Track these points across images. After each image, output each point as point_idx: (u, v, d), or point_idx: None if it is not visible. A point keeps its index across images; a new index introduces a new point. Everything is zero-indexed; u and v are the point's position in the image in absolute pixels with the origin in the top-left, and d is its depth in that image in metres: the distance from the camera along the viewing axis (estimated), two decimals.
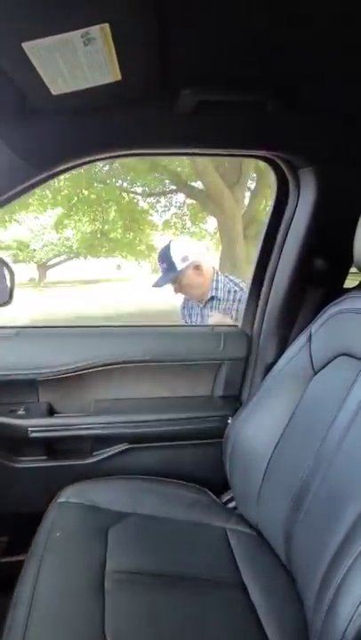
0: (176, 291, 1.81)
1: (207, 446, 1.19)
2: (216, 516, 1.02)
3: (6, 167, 0.83)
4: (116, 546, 0.88)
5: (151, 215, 10.69)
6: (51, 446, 1.15)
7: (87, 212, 10.08)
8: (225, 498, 1.12)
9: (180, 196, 10.07)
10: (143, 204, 10.31)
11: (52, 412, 1.18)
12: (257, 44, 0.66)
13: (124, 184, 9.49)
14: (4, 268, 1.37)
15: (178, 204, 10.61)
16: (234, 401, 1.23)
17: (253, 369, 1.22)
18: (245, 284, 1.82)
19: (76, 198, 9.47)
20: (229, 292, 1.77)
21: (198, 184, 8.28)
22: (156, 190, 9.60)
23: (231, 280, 1.85)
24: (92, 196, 9.49)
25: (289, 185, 1.01)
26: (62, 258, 16.64)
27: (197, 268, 1.75)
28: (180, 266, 1.70)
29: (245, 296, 1.32)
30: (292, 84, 0.77)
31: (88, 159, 0.88)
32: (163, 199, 10.29)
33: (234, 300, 1.76)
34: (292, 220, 1.04)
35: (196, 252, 1.78)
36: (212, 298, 1.82)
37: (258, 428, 0.98)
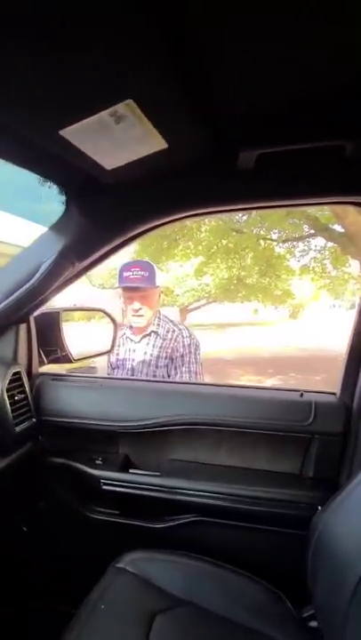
0: (128, 305, 1.66)
1: (289, 537, 0.99)
2: (288, 632, 0.83)
3: (85, 236, 0.91)
4: (159, 639, 0.78)
5: (288, 260, 10.46)
6: (123, 502, 1.14)
7: (225, 259, 10.51)
8: (306, 612, 0.90)
9: (320, 240, 9.63)
10: (280, 249, 10.22)
11: (128, 464, 1.18)
12: (324, 81, 0.58)
13: (261, 231, 9.63)
14: (110, 320, 1.50)
15: (318, 248, 10.15)
16: (327, 486, 1.01)
17: (353, 449, 0.99)
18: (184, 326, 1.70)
19: (215, 247, 10.02)
20: (168, 331, 1.65)
21: (339, 227, 7.83)
22: (292, 235, 9.44)
23: (171, 321, 1.72)
24: (230, 244, 9.92)
25: None
26: (202, 302, 17.60)
27: (160, 295, 1.70)
28: (157, 282, 1.63)
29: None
30: None
31: (157, 223, 0.90)
32: (300, 244, 10.01)
33: (171, 339, 1.63)
34: None
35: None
36: (152, 333, 1.66)
37: (351, 527, 0.77)
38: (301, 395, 1.07)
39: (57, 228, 0.93)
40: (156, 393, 1.17)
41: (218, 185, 0.79)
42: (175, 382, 1.24)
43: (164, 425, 1.10)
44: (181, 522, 1.09)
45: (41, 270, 0.93)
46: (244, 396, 1.10)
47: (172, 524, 1.10)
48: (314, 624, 0.87)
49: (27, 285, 0.95)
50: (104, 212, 0.86)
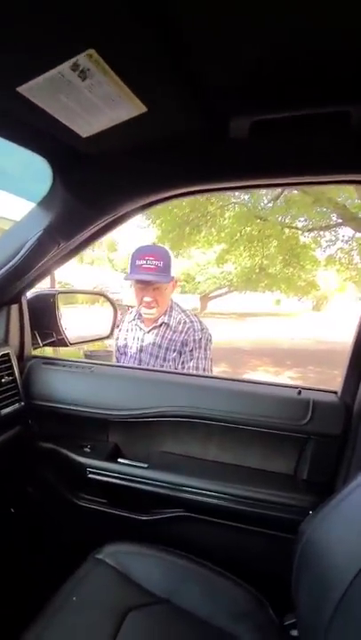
0: (139, 296, 1.51)
1: (277, 540, 0.94)
2: None
3: (70, 213, 0.85)
4: (128, 637, 0.75)
5: (313, 250, 10.13)
6: (109, 491, 1.11)
7: (248, 247, 10.29)
8: (288, 620, 0.84)
9: (348, 230, 9.27)
10: (305, 238, 9.90)
11: (117, 454, 1.14)
12: (326, 34, 0.49)
13: (286, 219, 9.34)
14: (110, 306, 1.46)
15: (345, 239, 9.77)
16: (321, 489, 0.94)
17: (352, 452, 0.92)
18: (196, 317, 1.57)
19: (238, 235, 9.80)
20: (179, 322, 1.53)
21: None
22: (318, 224, 9.11)
23: (184, 311, 1.59)
24: (254, 232, 9.68)
25: None
26: (223, 290, 17.43)
27: (175, 285, 1.56)
28: (172, 272, 1.48)
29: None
30: None
31: (145, 202, 0.83)
32: (327, 233, 9.66)
33: (182, 332, 1.51)
34: None
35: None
36: (162, 324, 1.54)
37: (342, 535, 0.70)
38: (299, 392, 0.99)
39: (43, 204, 0.88)
40: (149, 382, 1.12)
41: (209, 158, 0.71)
42: (170, 372, 1.18)
43: (155, 416, 1.05)
44: (167, 516, 1.05)
45: (24, 249, 0.88)
46: (240, 391, 1.04)
47: (157, 517, 1.06)
48: (295, 633, 0.82)
49: (10, 264, 0.91)
50: (88, 187, 0.80)
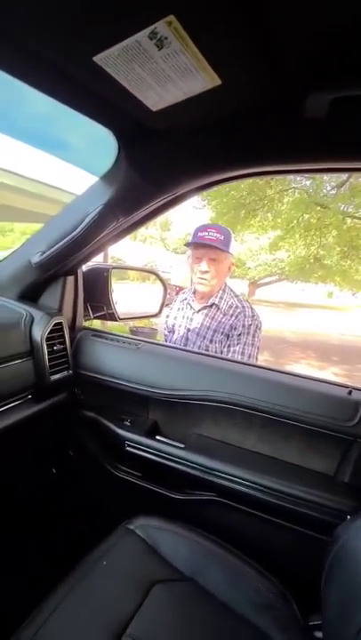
0: (196, 265, 1.55)
1: (308, 539, 0.92)
2: (290, 637, 0.77)
3: (132, 188, 0.85)
4: (151, 608, 0.78)
5: None
6: (145, 466, 1.14)
7: (304, 235, 9.85)
8: (313, 621, 0.83)
9: None
10: None
11: (156, 431, 1.16)
12: None
13: (349, 208, 8.78)
14: (161, 284, 1.46)
15: None
16: None
17: None
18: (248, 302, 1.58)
19: (295, 221, 9.41)
20: (230, 306, 1.55)
21: None
22: None
23: (237, 296, 1.61)
24: (312, 220, 9.23)
25: None
26: (273, 278, 16.95)
27: (230, 267, 1.59)
28: (232, 250, 1.53)
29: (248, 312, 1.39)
30: None
31: (209, 180, 0.81)
32: None
33: (232, 315, 1.54)
34: None
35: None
36: (213, 305, 1.55)
37: None
38: (350, 392, 0.94)
39: (106, 178, 0.89)
40: (193, 364, 1.12)
41: (281, 138, 0.67)
42: (216, 357, 1.17)
43: (197, 399, 1.05)
44: (198, 498, 1.06)
45: (85, 222, 0.90)
46: (285, 383, 1.00)
47: (189, 497, 1.08)
48: (319, 635, 0.80)
49: (70, 236, 0.93)
50: (152, 163, 0.79)
